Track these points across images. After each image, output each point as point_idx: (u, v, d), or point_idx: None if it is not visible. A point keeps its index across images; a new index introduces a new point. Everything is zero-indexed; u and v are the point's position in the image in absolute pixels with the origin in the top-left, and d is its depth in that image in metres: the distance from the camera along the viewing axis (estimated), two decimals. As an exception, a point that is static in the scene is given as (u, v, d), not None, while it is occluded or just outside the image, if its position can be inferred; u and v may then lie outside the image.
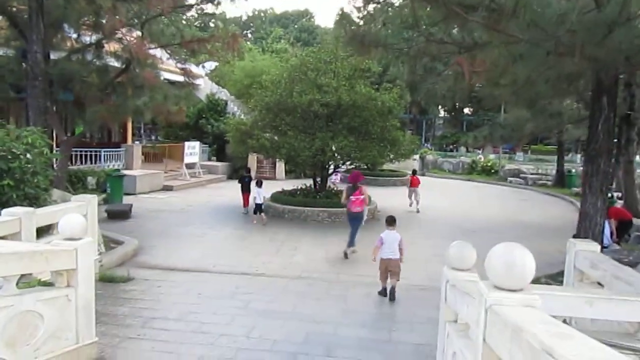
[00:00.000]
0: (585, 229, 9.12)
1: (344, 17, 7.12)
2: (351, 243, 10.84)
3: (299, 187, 16.67)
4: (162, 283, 8.41)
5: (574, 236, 8.71)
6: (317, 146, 14.42)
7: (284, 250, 11.27)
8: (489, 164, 32.97)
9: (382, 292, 8.13)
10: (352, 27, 7.11)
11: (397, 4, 7.71)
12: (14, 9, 11.23)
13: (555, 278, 8.52)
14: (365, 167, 20.64)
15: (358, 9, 7.75)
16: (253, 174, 21.99)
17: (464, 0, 5.88)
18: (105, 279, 8.17)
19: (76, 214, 5.18)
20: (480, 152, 39.48)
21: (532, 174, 29.93)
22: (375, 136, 15.15)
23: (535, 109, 15.20)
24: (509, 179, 29.58)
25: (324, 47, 17.12)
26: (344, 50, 14.40)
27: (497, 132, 19.56)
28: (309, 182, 16.96)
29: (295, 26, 68.73)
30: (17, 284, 4.47)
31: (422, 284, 8.82)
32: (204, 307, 7.24)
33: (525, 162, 35.23)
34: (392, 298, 7.94)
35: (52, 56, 12.35)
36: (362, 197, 10.81)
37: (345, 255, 10.69)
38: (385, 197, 18.57)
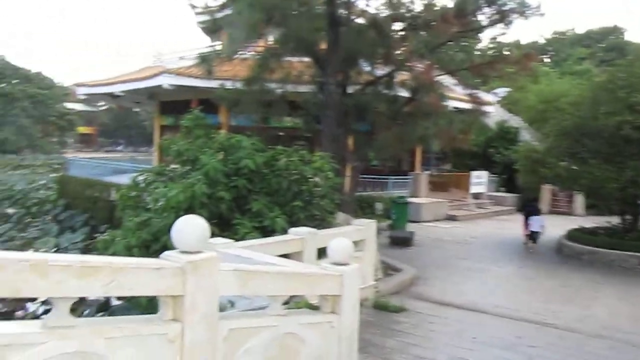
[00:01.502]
0: None
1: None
2: None
3: (602, 226, 14.13)
4: (435, 319, 7.88)
5: None
6: (627, 177, 11.96)
7: (580, 300, 9.46)
8: None
9: None
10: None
11: None
12: (318, 49, 12.52)
13: None
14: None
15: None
16: (546, 207, 20.00)
17: None
18: (378, 306, 8.07)
19: (344, 239, 5.04)
20: None
21: None
22: None
23: None
24: None
25: (640, 60, 14.25)
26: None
27: None
28: (615, 219, 14.25)
29: (601, 45, 60.94)
30: (286, 303, 4.52)
31: None
32: (478, 355, 6.41)
33: None
34: None
35: (350, 90, 13.39)
36: None
37: None
38: None
